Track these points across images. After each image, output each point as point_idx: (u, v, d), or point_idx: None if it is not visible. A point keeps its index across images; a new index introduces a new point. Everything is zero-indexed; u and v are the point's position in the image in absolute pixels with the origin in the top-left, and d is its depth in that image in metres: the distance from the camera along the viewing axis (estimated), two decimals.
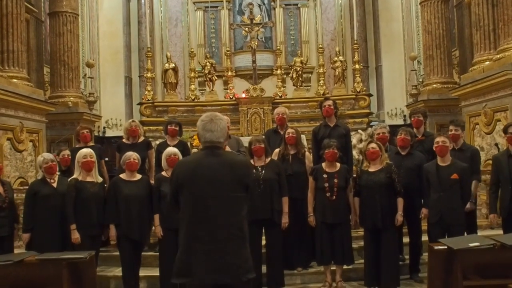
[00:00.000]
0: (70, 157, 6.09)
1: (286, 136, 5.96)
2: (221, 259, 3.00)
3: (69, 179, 5.46)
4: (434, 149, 5.34)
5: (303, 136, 6.49)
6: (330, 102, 6.39)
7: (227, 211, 3.07)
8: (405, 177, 5.46)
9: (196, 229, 3.04)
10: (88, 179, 5.39)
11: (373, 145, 5.48)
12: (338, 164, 5.58)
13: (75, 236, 5.21)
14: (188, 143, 7.59)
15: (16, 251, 5.41)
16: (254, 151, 5.56)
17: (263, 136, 6.31)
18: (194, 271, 3.00)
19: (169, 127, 6.62)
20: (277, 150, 6.03)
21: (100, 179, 5.51)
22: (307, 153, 6.17)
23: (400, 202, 5.38)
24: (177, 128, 6.62)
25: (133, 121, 6.80)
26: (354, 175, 5.85)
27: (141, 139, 6.68)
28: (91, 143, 7.10)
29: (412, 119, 6.46)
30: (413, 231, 5.76)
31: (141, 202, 5.38)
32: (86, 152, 5.46)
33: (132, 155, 5.51)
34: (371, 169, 5.42)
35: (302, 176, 5.85)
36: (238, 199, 3.12)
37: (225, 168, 3.12)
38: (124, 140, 6.67)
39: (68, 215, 5.25)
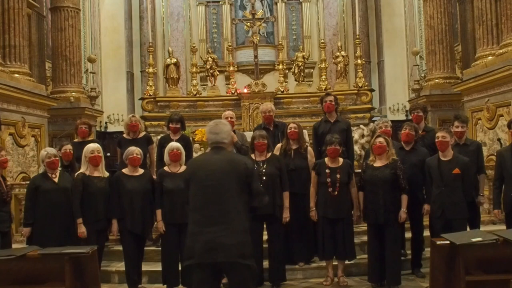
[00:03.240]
0: (71, 151, 6.09)
1: (289, 131, 5.94)
2: (216, 241, 3.37)
3: (76, 174, 5.47)
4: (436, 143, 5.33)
5: (304, 131, 6.48)
6: (331, 98, 6.37)
7: (225, 198, 3.48)
8: (408, 172, 5.45)
9: (197, 215, 3.49)
10: (95, 173, 5.41)
11: (380, 139, 5.43)
12: (341, 159, 5.57)
13: (82, 230, 5.23)
14: (190, 138, 7.57)
15: (16, 245, 5.42)
16: (257, 146, 5.55)
17: (264, 132, 6.30)
18: (195, 253, 3.40)
19: (170, 125, 6.58)
20: (279, 145, 6.02)
21: (106, 174, 5.52)
22: (309, 148, 6.15)
23: (404, 199, 5.35)
24: (178, 126, 6.60)
25: (133, 116, 6.79)
26: (356, 170, 5.83)
27: (142, 134, 6.67)
28: (90, 138, 7.08)
29: (412, 114, 6.43)
30: (416, 226, 5.74)
31: (143, 196, 5.40)
32: (93, 147, 5.46)
33: (135, 150, 5.52)
34: (377, 164, 5.40)
35: (304, 171, 5.84)
36: (237, 190, 3.52)
37: (225, 162, 3.59)
38: (124, 135, 6.66)
39: (74, 209, 5.27)
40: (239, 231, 3.45)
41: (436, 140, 5.30)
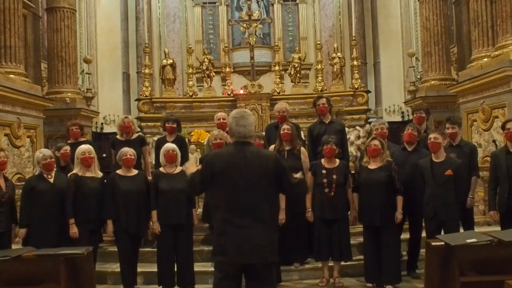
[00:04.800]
0: (70, 152, 6.08)
1: (281, 132, 5.95)
2: (250, 242, 3.34)
3: (69, 174, 5.46)
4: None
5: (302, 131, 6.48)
6: (324, 101, 6.39)
7: (257, 200, 3.40)
8: (409, 173, 5.46)
9: (229, 216, 3.39)
10: (88, 174, 5.41)
11: (375, 142, 5.44)
12: (337, 160, 5.58)
13: (74, 230, 5.22)
14: (186, 139, 7.57)
15: (12, 247, 5.40)
16: None
17: (263, 132, 6.30)
18: (226, 251, 3.36)
19: (166, 125, 6.61)
20: (272, 146, 6.02)
21: (100, 174, 5.52)
22: (302, 148, 6.16)
23: (399, 200, 5.37)
24: (175, 126, 6.61)
25: (126, 117, 6.79)
26: (352, 172, 5.84)
27: (135, 135, 6.66)
28: (83, 139, 7.06)
29: (414, 115, 6.43)
30: (415, 228, 5.75)
31: (138, 197, 5.41)
32: (84, 148, 5.47)
33: (129, 151, 5.52)
34: (371, 166, 5.41)
35: (297, 171, 5.83)
36: (268, 189, 3.46)
37: (256, 161, 3.46)
38: (118, 136, 6.66)
39: (67, 209, 5.26)
40: (270, 231, 3.46)
41: (428, 141, 5.33)
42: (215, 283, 3.47)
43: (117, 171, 5.57)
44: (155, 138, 7.23)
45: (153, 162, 6.72)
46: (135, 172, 5.59)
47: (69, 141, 6.97)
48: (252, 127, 3.53)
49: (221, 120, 6.56)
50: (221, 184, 3.44)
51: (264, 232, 3.39)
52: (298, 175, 3.87)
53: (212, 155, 3.78)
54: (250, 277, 3.43)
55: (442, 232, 5.06)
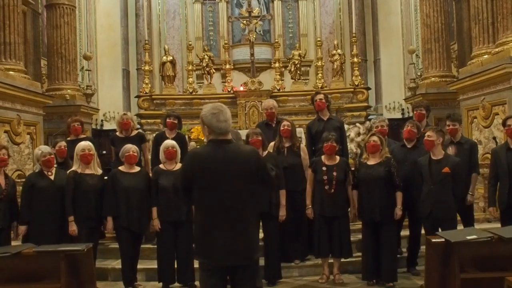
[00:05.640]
0: (66, 148, 6.07)
1: (282, 128, 5.94)
2: (236, 244, 3.23)
3: (68, 171, 5.45)
4: None
5: (300, 130, 6.48)
6: (321, 96, 6.38)
7: (241, 202, 3.27)
8: (409, 169, 5.46)
9: (213, 218, 3.25)
10: (87, 171, 5.39)
11: (374, 138, 5.45)
12: (337, 157, 5.57)
13: (73, 228, 5.22)
14: (186, 136, 7.56)
15: (12, 243, 5.40)
16: (252, 144, 5.54)
17: (259, 129, 6.29)
18: (211, 254, 3.25)
19: (167, 120, 6.60)
20: (272, 143, 6.01)
21: (99, 171, 5.50)
22: (302, 145, 6.17)
23: (399, 196, 5.37)
24: (176, 122, 6.60)
25: (125, 114, 6.77)
26: (352, 168, 5.84)
27: (135, 132, 6.65)
28: (83, 136, 7.06)
29: (415, 112, 6.43)
30: (415, 225, 5.74)
31: (140, 194, 5.40)
32: (84, 145, 5.45)
33: (132, 148, 5.51)
34: (370, 162, 5.41)
35: (297, 168, 5.85)
36: (251, 187, 3.32)
37: (237, 160, 3.28)
38: (117, 133, 6.65)
39: (66, 207, 5.25)
40: (254, 231, 3.41)
41: (424, 139, 5.33)
42: (203, 281, 3.36)
43: (120, 168, 5.55)
44: (154, 135, 7.21)
45: (149, 158, 6.69)
46: (137, 169, 5.58)
47: (69, 138, 6.96)
48: (230, 121, 3.35)
49: None
50: (203, 186, 3.27)
51: (251, 232, 3.32)
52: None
53: (190, 158, 3.49)
54: (237, 276, 3.32)
55: (439, 230, 5.04)
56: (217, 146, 3.29)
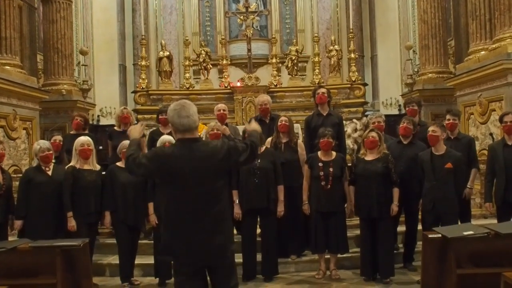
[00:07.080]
0: (61, 142, 6.04)
1: (279, 124, 5.93)
2: (209, 244, 3.13)
3: (66, 167, 5.42)
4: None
5: (297, 125, 6.46)
6: (324, 90, 6.37)
7: (211, 200, 3.17)
8: (405, 166, 5.46)
9: (182, 218, 3.14)
10: (86, 167, 5.38)
11: (373, 133, 5.45)
12: (334, 153, 5.57)
13: (71, 223, 5.20)
14: None
15: (9, 239, 5.38)
16: None
17: None
18: (180, 253, 3.14)
19: (160, 117, 6.56)
20: (269, 139, 6.00)
21: (97, 167, 5.49)
22: (299, 141, 6.17)
23: (396, 192, 5.38)
24: None
25: (125, 108, 6.78)
26: (349, 164, 5.84)
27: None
28: (85, 132, 7.02)
29: (407, 108, 6.45)
30: (411, 220, 5.75)
31: (137, 188, 5.39)
32: (83, 140, 5.42)
33: None
34: (368, 158, 5.41)
35: (294, 164, 5.85)
36: (220, 187, 3.22)
37: (206, 160, 3.15)
38: (115, 127, 6.63)
39: (65, 202, 5.24)
40: (226, 226, 3.28)
41: (428, 134, 5.33)
42: (177, 283, 3.23)
43: (117, 163, 5.54)
44: (149, 132, 7.18)
45: None
46: None
47: (70, 132, 6.91)
48: (196, 117, 3.17)
49: (221, 111, 6.55)
50: (171, 189, 3.17)
51: (223, 229, 3.20)
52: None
53: (157, 154, 3.26)
54: (212, 276, 3.24)
55: (440, 225, 5.05)
56: (184, 146, 3.15)
